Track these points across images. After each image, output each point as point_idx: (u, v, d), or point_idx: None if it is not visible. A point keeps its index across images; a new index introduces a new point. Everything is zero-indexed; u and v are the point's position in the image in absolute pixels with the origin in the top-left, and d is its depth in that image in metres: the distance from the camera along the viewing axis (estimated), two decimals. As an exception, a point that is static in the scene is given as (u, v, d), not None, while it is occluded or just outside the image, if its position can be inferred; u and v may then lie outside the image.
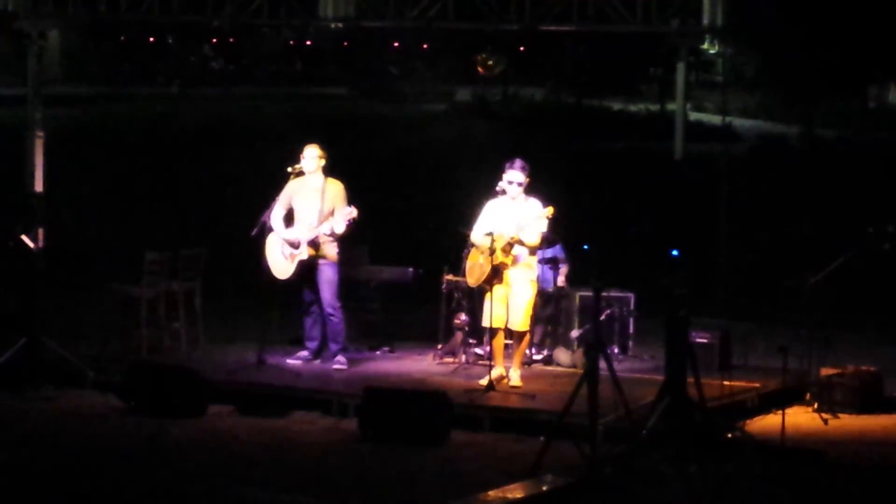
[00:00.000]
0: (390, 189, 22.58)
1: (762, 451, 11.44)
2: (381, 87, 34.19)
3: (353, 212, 13.65)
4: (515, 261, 13.17)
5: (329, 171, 14.00)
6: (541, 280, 14.51)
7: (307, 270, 13.91)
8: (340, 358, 14.06)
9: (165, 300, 14.84)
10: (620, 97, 35.57)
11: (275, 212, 13.91)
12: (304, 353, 14.15)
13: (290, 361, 14.03)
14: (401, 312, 15.45)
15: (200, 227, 20.00)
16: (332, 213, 13.77)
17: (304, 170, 13.91)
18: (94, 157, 23.71)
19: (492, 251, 13.00)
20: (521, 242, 13.11)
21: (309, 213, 13.88)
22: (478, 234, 13.32)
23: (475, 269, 13.40)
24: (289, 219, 13.99)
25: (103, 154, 24.51)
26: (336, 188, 13.91)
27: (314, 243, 13.84)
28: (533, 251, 13.32)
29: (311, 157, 13.92)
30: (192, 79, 36.46)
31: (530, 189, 13.30)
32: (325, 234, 13.79)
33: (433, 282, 14.88)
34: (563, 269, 14.68)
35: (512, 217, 13.18)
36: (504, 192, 13.23)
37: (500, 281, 13.15)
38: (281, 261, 13.93)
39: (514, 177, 13.23)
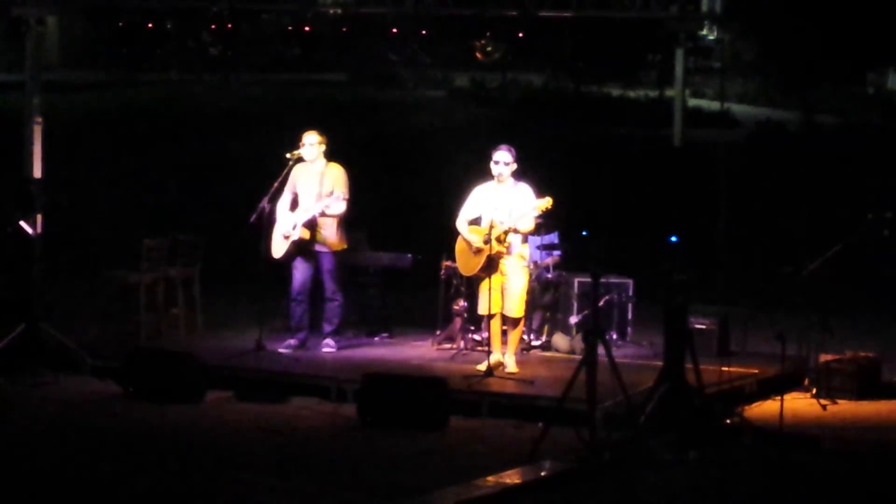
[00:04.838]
0: (389, 175, 22.57)
1: (760, 436, 11.46)
2: (379, 72, 34.14)
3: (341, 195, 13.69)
4: (510, 249, 13.17)
5: (330, 155, 14.01)
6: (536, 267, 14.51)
7: (301, 253, 13.91)
8: (330, 341, 14.08)
9: (164, 286, 14.84)
10: (619, 83, 35.50)
11: (281, 201, 13.92)
12: (293, 342, 14.12)
13: (281, 350, 14.01)
14: (399, 298, 15.45)
15: (199, 213, 19.99)
16: (330, 196, 13.78)
17: (305, 157, 13.91)
18: (93, 144, 23.67)
19: (487, 241, 12.99)
20: (516, 231, 13.11)
21: (308, 197, 13.89)
22: (462, 223, 13.33)
23: (464, 257, 13.40)
24: (295, 206, 14.02)
25: (102, 140, 24.47)
26: (336, 172, 13.92)
27: (309, 224, 13.84)
28: (525, 238, 13.33)
29: (311, 143, 13.94)
30: (191, 64, 36.38)
31: (520, 175, 13.30)
32: (319, 216, 13.79)
33: (432, 268, 14.87)
34: (554, 256, 14.65)
35: (502, 202, 13.16)
36: (500, 175, 13.21)
37: (496, 270, 13.14)
38: (278, 239, 13.96)
39: (500, 157, 13.23)
